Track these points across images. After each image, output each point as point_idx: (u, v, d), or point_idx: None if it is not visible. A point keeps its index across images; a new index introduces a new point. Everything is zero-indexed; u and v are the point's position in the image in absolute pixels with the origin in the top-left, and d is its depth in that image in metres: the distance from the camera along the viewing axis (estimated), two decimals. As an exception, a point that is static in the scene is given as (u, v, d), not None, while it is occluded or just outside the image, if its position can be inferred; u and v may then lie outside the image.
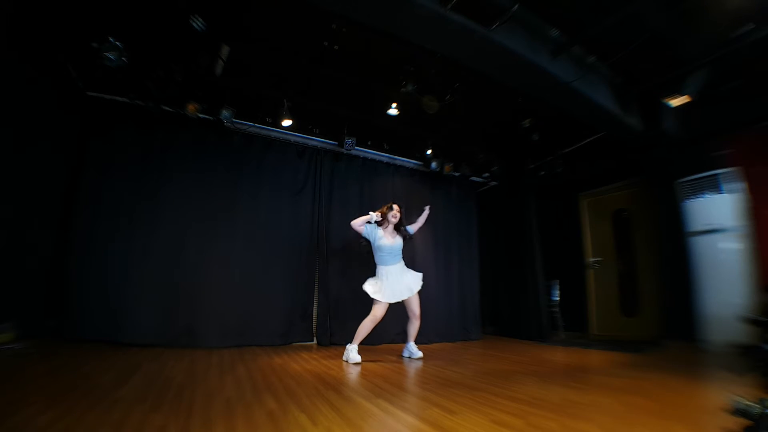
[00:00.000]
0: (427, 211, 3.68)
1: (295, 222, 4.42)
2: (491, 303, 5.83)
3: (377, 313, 3.26)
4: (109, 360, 2.73)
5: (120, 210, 3.64)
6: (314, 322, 4.31)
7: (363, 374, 2.69)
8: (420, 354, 3.45)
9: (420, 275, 3.48)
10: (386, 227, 3.45)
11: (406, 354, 3.49)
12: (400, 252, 3.48)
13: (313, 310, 4.33)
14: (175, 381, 2.21)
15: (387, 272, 3.36)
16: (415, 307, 3.39)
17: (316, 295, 4.37)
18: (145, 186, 3.77)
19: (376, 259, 3.44)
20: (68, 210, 3.56)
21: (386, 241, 3.39)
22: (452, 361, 3.41)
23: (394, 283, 3.33)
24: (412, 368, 3.00)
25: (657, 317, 4.36)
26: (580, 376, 2.85)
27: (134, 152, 3.80)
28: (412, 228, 3.62)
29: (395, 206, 3.50)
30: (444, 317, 5.08)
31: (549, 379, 2.67)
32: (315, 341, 4.27)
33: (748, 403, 1.16)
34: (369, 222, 3.36)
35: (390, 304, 3.31)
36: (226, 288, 3.90)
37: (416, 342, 4.65)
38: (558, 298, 5.37)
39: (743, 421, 1.16)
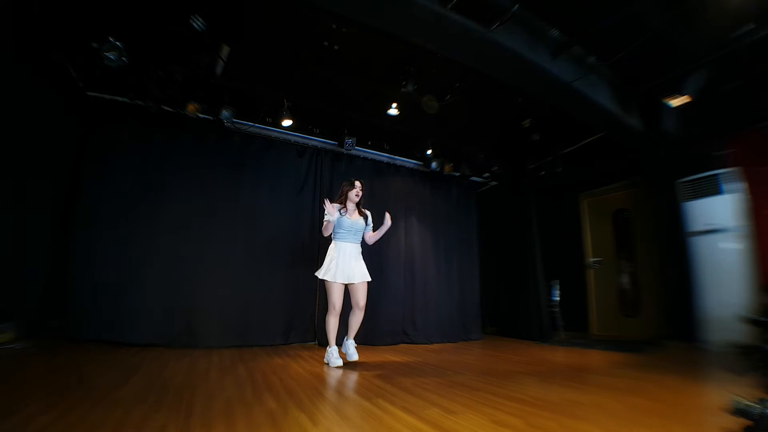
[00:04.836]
0: (388, 222, 3.22)
1: (295, 222, 4.43)
2: (491, 303, 5.83)
3: (334, 301, 3.02)
4: (109, 360, 2.73)
5: (120, 210, 3.64)
6: (315, 323, 4.31)
7: (363, 374, 2.69)
8: (356, 357, 3.07)
9: (367, 273, 3.18)
10: (347, 207, 3.20)
11: (343, 350, 3.14)
12: (360, 234, 3.22)
13: (314, 310, 4.33)
14: (175, 381, 2.21)
15: (341, 249, 3.10)
16: (360, 298, 3.08)
17: (317, 295, 4.37)
18: (145, 186, 3.77)
19: (333, 236, 3.17)
20: (68, 210, 3.56)
21: (347, 217, 3.15)
22: (452, 361, 3.41)
23: (345, 263, 3.07)
24: (413, 368, 2.99)
25: (657, 317, 4.36)
26: (580, 376, 2.85)
27: (134, 152, 3.80)
28: (370, 237, 3.30)
29: (357, 183, 3.23)
30: (444, 317, 5.08)
31: (549, 379, 2.67)
32: (316, 342, 4.27)
33: (748, 403, 1.16)
34: (329, 221, 3.10)
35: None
36: (226, 288, 3.90)
37: (416, 342, 4.71)
38: (558, 298, 5.37)
39: (743, 421, 1.16)
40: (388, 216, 3.24)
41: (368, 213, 3.30)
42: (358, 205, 3.25)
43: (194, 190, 3.96)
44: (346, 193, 3.21)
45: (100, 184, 3.63)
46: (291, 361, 3.10)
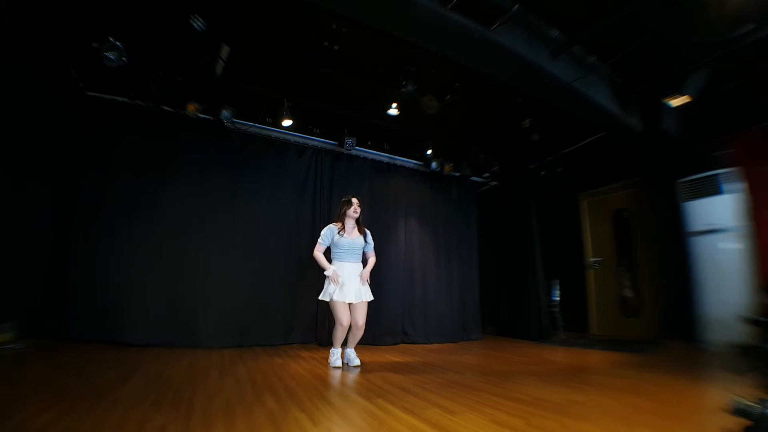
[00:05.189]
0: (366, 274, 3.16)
1: (295, 222, 4.42)
2: (491, 303, 5.83)
3: (339, 318, 2.95)
4: (109, 360, 2.73)
5: (120, 210, 3.64)
6: (315, 323, 4.31)
7: (363, 374, 2.69)
8: (358, 362, 3.04)
9: (369, 292, 3.13)
10: (346, 225, 3.16)
11: (345, 359, 3.10)
12: (359, 252, 3.17)
13: (314, 311, 4.33)
14: (175, 381, 2.21)
15: (341, 269, 3.06)
16: (359, 317, 3.00)
17: (317, 295, 4.36)
18: (146, 186, 3.77)
19: (332, 256, 3.15)
20: (68, 210, 3.56)
21: (345, 236, 3.10)
22: (452, 362, 3.41)
23: (346, 282, 3.02)
24: (413, 368, 2.99)
25: (657, 317, 4.36)
26: (581, 376, 2.85)
27: (134, 152, 3.80)
28: (369, 255, 3.25)
29: (354, 200, 3.16)
30: (444, 317, 5.08)
31: (549, 379, 2.67)
32: (316, 342, 4.27)
33: (748, 403, 1.16)
34: (326, 271, 3.06)
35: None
36: (226, 288, 3.90)
37: (416, 342, 4.71)
38: (558, 298, 5.37)
39: (743, 421, 1.16)
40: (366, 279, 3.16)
41: (368, 231, 3.24)
42: (358, 221, 3.21)
43: (194, 190, 3.96)
44: (345, 212, 3.16)
45: (100, 184, 3.63)
46: (291, 361, 3.10)
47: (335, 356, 3.01)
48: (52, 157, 3.39)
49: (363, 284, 3.12)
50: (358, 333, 3.08)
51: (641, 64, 3.73)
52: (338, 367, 2.92)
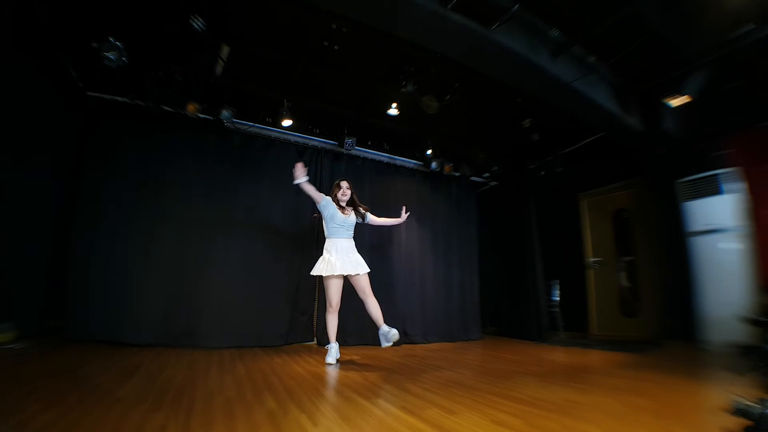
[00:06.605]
0: (403, 217, 3.46)
1: (295, 222, 4.42)
2: (491, 303, 5.83)
3: (331, 297, 3.06)
4: (109, 360, 2.73)
5: (120, 210, 3.64)
6: (315, 323, 4.31)
7: (363, 374, 2.69)
8: (397, 337, 3.02)
9: (364, 264, 3.16)
10: (342, 206, 3.26)
11: (385, 343, 3.04)
12: (353, 229, 3.27)
13: (313, 310, 4.33)
14: (175, 381, 2.21)
15: (336, 245, 3.14)
16: (364, 286, 3.08)
17: (316, 294, 4.37)
18: (145, 186, 3.77)
19: (327, 232, 3.22)
20: (68, 210, 3.56)
21: (340, 213, 3.19)
22: (452, 361, 3.41)
23: (341, 257, 3.09)
24: (413, 368, 2.99)
25: (657, 317, 4.36)
26: (580, 376, 2.85)
27: (134, 152, 3.80)
28: (376, 220, 3.39)
29: (343, 183, 3.27)
30: (444, 317, 5.09)
31: (549, 379, 2.67)
32: (315, 341, 4.27)
33: (748, 403, 1.16)
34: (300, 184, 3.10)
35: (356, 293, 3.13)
36: (226, 288, 3.90)
37: (416, 342, 4.71)
38: (558, 298, 5.37)
39: (743, 421, 1.16)
40: (404, 212, 3.46)
41: (365, 212, 3.33)
42: (353, 204, 3.30)
43: (194, 190, 3.96)
44: (335, 195, 3.26)
45: (100, 184, 3.63)
46: (291, 361, 3.10)
47: (330, 353, 3.04)
48: (53, 157, 3.39)
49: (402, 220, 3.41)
50: (371, 301, 3.09)
51: (641, 64, 3.73)
52: (330, 364, 2.94)
